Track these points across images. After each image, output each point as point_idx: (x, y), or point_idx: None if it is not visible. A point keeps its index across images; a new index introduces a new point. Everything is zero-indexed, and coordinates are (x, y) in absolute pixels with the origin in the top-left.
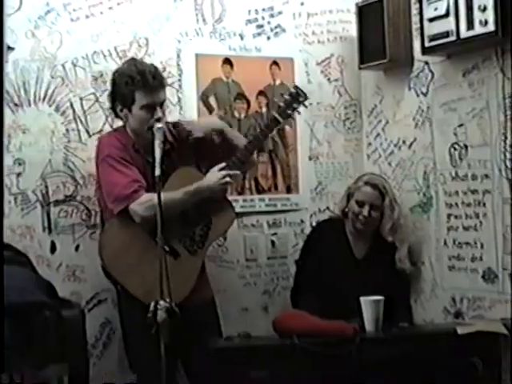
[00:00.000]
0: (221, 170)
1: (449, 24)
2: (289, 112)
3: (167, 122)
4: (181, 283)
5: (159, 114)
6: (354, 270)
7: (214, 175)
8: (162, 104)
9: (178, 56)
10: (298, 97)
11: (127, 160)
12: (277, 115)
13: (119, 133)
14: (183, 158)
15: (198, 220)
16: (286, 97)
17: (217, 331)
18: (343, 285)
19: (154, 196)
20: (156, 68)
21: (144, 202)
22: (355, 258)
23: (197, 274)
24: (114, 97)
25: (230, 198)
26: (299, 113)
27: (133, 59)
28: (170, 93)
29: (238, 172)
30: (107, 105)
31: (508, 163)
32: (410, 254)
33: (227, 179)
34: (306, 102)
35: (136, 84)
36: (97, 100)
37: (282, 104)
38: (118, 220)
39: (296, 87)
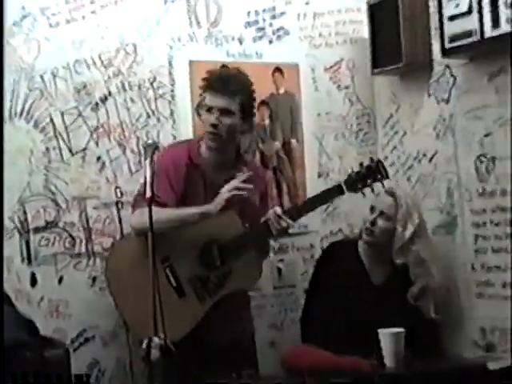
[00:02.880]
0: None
1: (472, 22)
2: (358, 186)
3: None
4: (174, 325)
5: (213, 120)
6: (371, 298)
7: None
8: (222, 111)
9: (170, 64)
10: (376, 173)
11: (172, 173)
12: (343, 185)
13: (186, 145)
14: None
15: (215, 263)
16: (363, 169)
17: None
18: (359, 315)
19: (156, 210)
20: (227, 70)
21: (140, 213)
22: (372, 285)
23: (196, 321)
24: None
25: None
26: (373, 191)
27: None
28: (161, 105)
29: (250, 186)
30: (91, 119)
31: None
32: (430, 293)
33: (235, 192)
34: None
35: (204, 84)
36: (80, 114)
37: (353, 175)
38: (131, 237)
39: (379, 162)
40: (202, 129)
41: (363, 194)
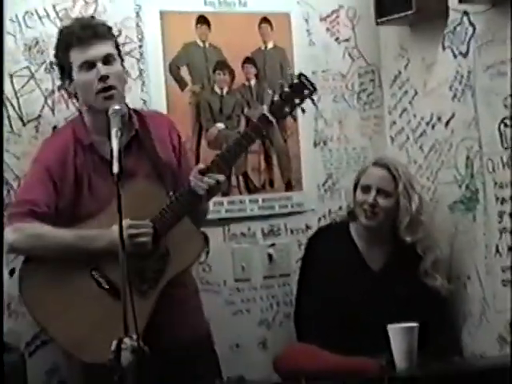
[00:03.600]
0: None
1: None
2: (286, 110)
3: (130, 109)
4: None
5: (102, 70)
6: (371, 286)
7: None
8: (106, 60)
9: (138, 15)
10: (302, 88)
11: (56, 173)
12: (268, 114)
13: (70, 127)
14: (143, 164)
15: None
16: (285, 88)
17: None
18: (359, 308)
19: (34, 227)
20: (90, 18)
21: (18, 229)
22: (371, 271)
23: (145, 321)
24: (60, 71)
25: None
26: (303, 111)
27: (76, 19)
28: (128, 64)
29: (147, 237)
30: (45, 82)
31: None
32: (441, 266)
33: (137, 239)
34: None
35: (66, 41)
36: (32, 76)
37: (277, 98)
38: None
39: (301, 75)
40: (175, 90)
41: (293, 117)
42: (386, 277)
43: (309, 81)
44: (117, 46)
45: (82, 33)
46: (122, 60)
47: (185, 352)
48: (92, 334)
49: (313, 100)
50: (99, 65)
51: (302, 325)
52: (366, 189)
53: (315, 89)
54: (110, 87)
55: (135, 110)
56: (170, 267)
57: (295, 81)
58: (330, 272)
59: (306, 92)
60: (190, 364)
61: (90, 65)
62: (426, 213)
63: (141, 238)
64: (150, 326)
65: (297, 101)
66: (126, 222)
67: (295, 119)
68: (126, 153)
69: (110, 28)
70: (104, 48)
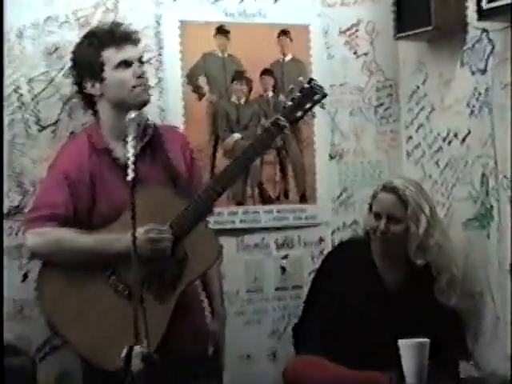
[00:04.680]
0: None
1: None
2: (298, 115)
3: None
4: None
5: (140, 70)
6: (385, 305)
7: (140, 236)
8: (140, 61)
9: (158, 24)
10: (313, 93)
11: (72, 177)
12: (282, 118)
13: (85, 133)
14: (156, 170)
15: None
16: (296, 93)
17: None
18: (372, 324)
19: (55, 231)
20: (118, 22)
21: (39, 234)
22: (386, 290)
23: (164, 326)
24: (79, 73)
25: (225, 209)
26: (314, 116)
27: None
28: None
29: (167, 242)
30: (64, 87)
31: None
32: (457, 284)
33: (158, 244)
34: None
35: (100, 40)
36: (51, 81)
37: (289, 103)
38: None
39: (311, 80)
40: (192, 99)
41: (308, 122)
42: (400, 296)
43: (319, 86)
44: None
45: (118, 33)
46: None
47: (187, 364)
48: (108, 340)
49: (323, 105)
50: (136, 64)
51: (309, 336)
52: (377, 216)
53: (325, 94)
54: (146, 84)
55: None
56: (188, 272)
57: (306, 86)
58: (344, 285)
59: (317, 97)
60: (191, 376)
61: (127, 63)
62: (440, 232)
63: (161, 244)
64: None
65: (308, 105)
66: (146, 226)
67: (312, 133)
68: (139, 158)
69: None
70: (137, 50)
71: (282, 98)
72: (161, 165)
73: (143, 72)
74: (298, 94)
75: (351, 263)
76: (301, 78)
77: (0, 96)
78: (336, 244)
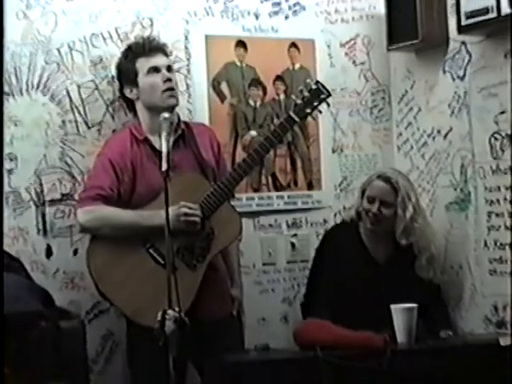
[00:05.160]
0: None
1: None
2: (307, 111)
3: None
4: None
5: (167, 75)
6: (376, 275)
7: (174, 211)
8: (168, 69)
9: (186, 38)
10: (319, 93)
11: (117, 163)
12: (293, 114)
13: (127, 128)
14: (189, 159)
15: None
16: (305, 93)
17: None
18: (367, 292)
19: (102, 209)
20: (153, 37)
21: (88, 211)
22: (376, 264)
23: (195, 290)
24: (120, 81)
25: (243, 195)
26: (320, 112)
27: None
28: (177, 79)
29: (197, 217)
30: (107, 93)
31: None
32: (435, 261)
33: (189, 218)
34: (329, 96)
35: (134, 52)
36: (96, 88)
37: (299, 101)
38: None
39: (317, 82)
40: (216, 102)
41: (313, 118)
42: (389, 269)
43: (324, 87)
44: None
45: (148, 45)
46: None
47: (217, 324)
48: (149, 302)
49: (328, 103)
50: (164, 70)
51: (315, 305)
52: (371, 200)
53: (330, 93)
54: (173, 88)
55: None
56: (215, 245)
57: (313, 86)
58: (341, 262)
59: (323, 96)
60: (219, 335)
61: (156, 69)
62: (423, 218)
63: (192, 218)
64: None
65: (315, 103)
66: (181, 203)
67: (317, 130)
68: (173, 147)
69: (167, 48)
70: (166, 59)
71: (293, 97)
72: (192, 154)
73: (171, 77)
74: (307, 94)
75: (344, 243)
76: (308, 80)
77: (0, 97)
78: (327, 230)
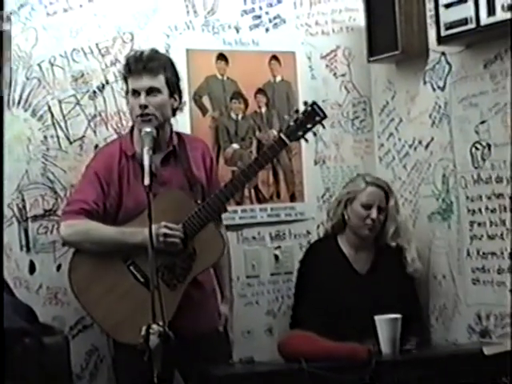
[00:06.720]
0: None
1: (467, 10)
2: (299, 134)
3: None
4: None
5: (142, 100)
6: (358, 286)
7: (154, 230)
8: (149, 91)
9: (167, 52)
10: (314, 115)
11: (103, 177)
12: (284, 137)
13: (118, 141)
14: (178, 176)
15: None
16: (299, 115)
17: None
18: (350, 303)
19: (84, 223)
20: (149, 51)
21: (70, 225)
22: (358, 274)
23: (173, 310)
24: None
25: (227, 208)
26: (315, 134)
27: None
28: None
29: (177, 238)
30: (89, 108)
31: None
32: (420, 254)
33: (169, 239)
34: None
35: (126, 69)
36: (78, 103)
37: (292, 123)
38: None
39: (314, 103)
40: (198, 115)
41: (306, 140)
42: (370, 278)
43: (320, 109)
44: (167, 81)
45: (134, 65)
46: (172, 92)
47: (201, 340)
48: (127, 319)
49: (323, 125)
50: (142, 95)
51: (300, 317)
52: (368, 206)
53: (325, 116)
54: (148, 114)
55: (177, 132)
56: (196, 265)
57: (309, 108)
58: (323, 274)
59: (318, 118)
60: (204, 350)
61: (136, 93)
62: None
63: (171, 239)
64: (174, 316)
65: (309, 125)
66: (161, 223)
67: (299, 143)
68: (163, 164)
69: (162, 64)
70: (149, 81)
71: (274, 113)
72: (182, 171)
73: (146, 103)
74: (301, 116)
75: (325, 255)
76: (305, 101)
77: (0, 103)
78: (308, 246)
